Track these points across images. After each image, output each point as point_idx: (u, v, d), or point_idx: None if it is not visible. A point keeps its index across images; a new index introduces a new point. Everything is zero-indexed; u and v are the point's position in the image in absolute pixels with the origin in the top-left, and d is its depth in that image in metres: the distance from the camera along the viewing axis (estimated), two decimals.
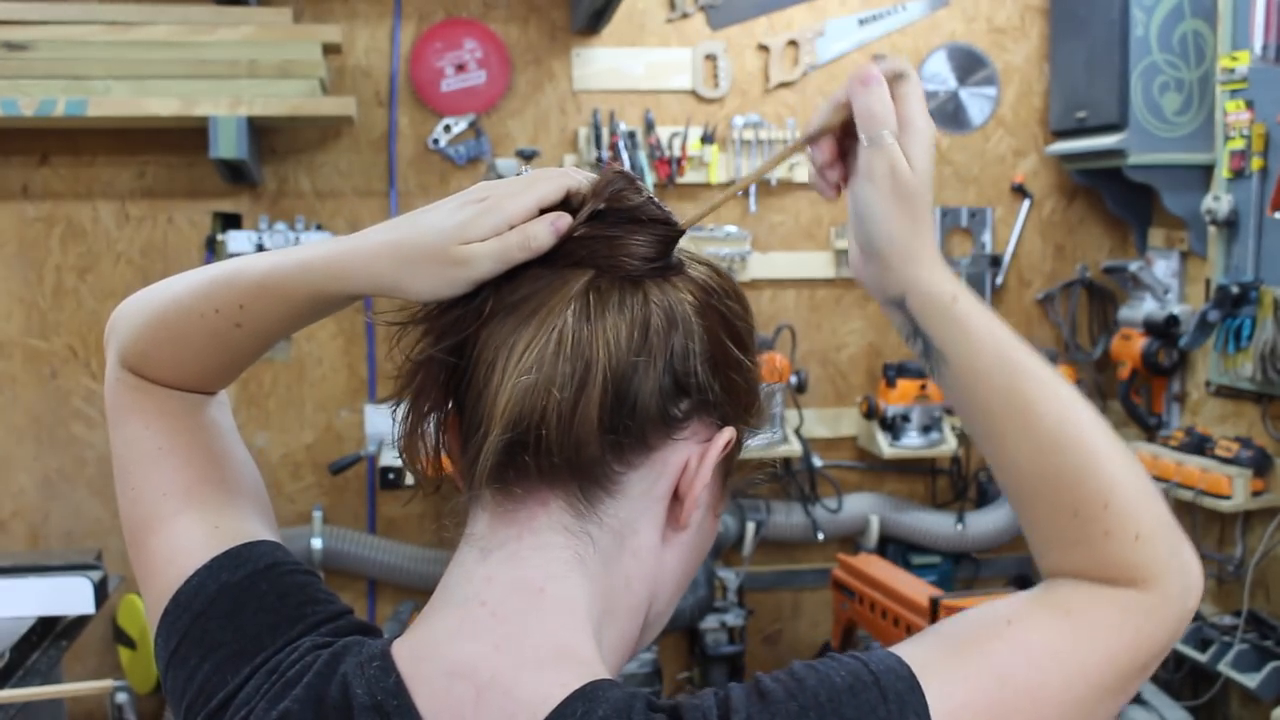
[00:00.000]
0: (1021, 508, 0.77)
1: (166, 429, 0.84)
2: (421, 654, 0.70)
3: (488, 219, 0.72)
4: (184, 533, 0.80)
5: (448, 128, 3.23)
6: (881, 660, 0.69)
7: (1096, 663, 0.71)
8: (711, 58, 3.33)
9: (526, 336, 0.70)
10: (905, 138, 0.76)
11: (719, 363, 0.74)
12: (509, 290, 0.72)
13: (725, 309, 0.75)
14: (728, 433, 0.75)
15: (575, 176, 0.75)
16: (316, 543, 3.13)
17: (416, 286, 0.73)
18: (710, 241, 3.29)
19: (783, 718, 0.65)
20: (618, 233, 0.73)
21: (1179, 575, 0.75)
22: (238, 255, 3.00)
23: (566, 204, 0.74)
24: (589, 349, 0.69)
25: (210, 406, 0.87)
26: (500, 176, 3.40)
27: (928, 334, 0.76)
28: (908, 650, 0.70)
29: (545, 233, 0.71)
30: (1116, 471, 0.74)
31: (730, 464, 0.78)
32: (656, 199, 0.75)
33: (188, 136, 3.01)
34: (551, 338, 0.69)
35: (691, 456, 0.74)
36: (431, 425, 0.75)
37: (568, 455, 0.70)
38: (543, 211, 0.73)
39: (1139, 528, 0.73)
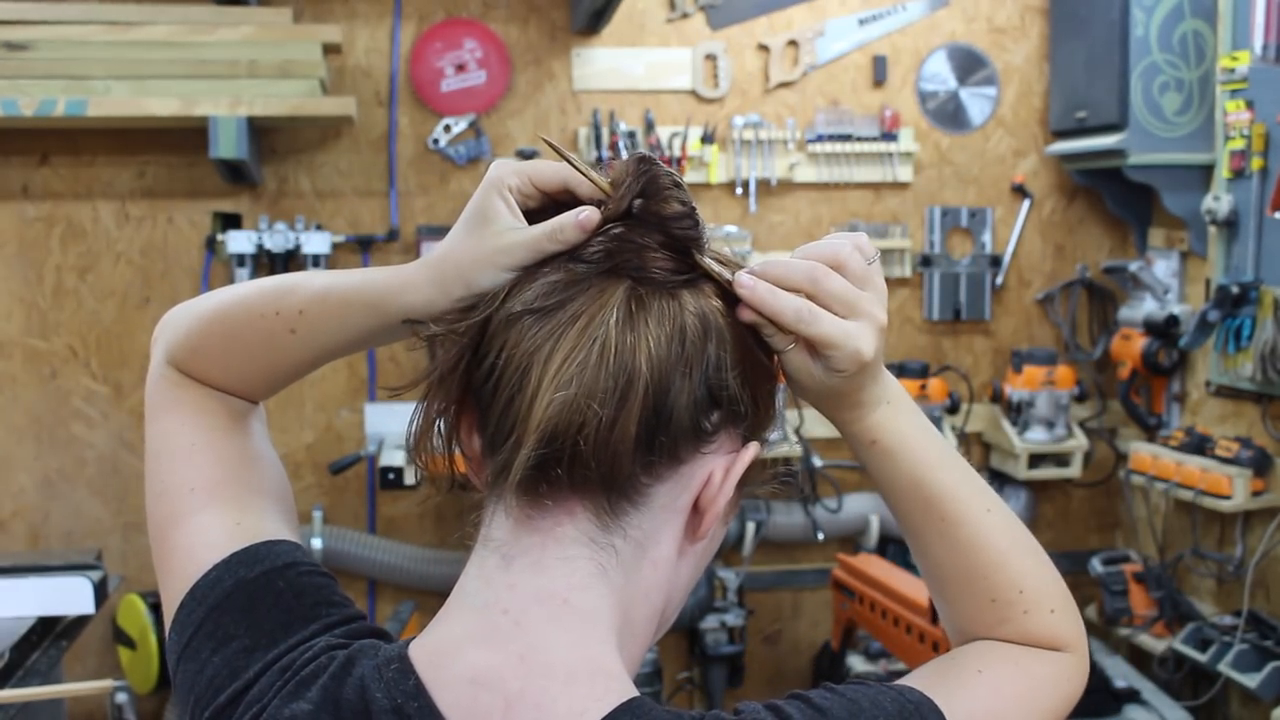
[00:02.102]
0: (942, 595, 0.87)
1: (201, 425, 0.84)
2: (440, 658, 0.69)
3: (490, 193, 0.75)
4: (206, 528, 0.80)
5: (448, 128, 3.23)
6: (913, 691, 0.75)
7: (1043, 709, 0.82)
8: (711, 58, 3.33)
9: (566, 346, 0.68)
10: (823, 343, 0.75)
11: (748, 371, 0.73)
12: (541, 295, 0.71)
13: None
14: (754, 448, 0.74)
15: (573, 176, 0.75)
16: (316, 543, 3.13)
17: (480, 281, 0.74)
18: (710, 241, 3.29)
19: None
20: (649, 242, 0.72)
21: (1084, 640, 0.87)
22: (237, 255, 3.04)
23: (575, 201, 0.75)
24: (632, 361, 0.68)
25: (248, 412, 0.88)
26: None
27: (855, 454, 0.84)
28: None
29: (572, 228, 0.72)
30: (1026, 562, 0.85)
31: (749, 476, 0.77)
32: (688, 201, 0.74)
33: (188, 136, 3.01)
34: (594, 349, 0.68)
35: (715, 470, 0.73)
36: (447, 422, 0.75)
37: (602, 470, 0.69)
38: (554, 202, 0.75)
39: (1053, 603, 0.85)
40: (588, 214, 0.72)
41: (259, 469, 0.85)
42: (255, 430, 0.88)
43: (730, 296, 0.73)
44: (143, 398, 0.90)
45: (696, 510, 0.74)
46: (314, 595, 0.76)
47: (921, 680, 0.78)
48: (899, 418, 0.81)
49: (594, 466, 0.68)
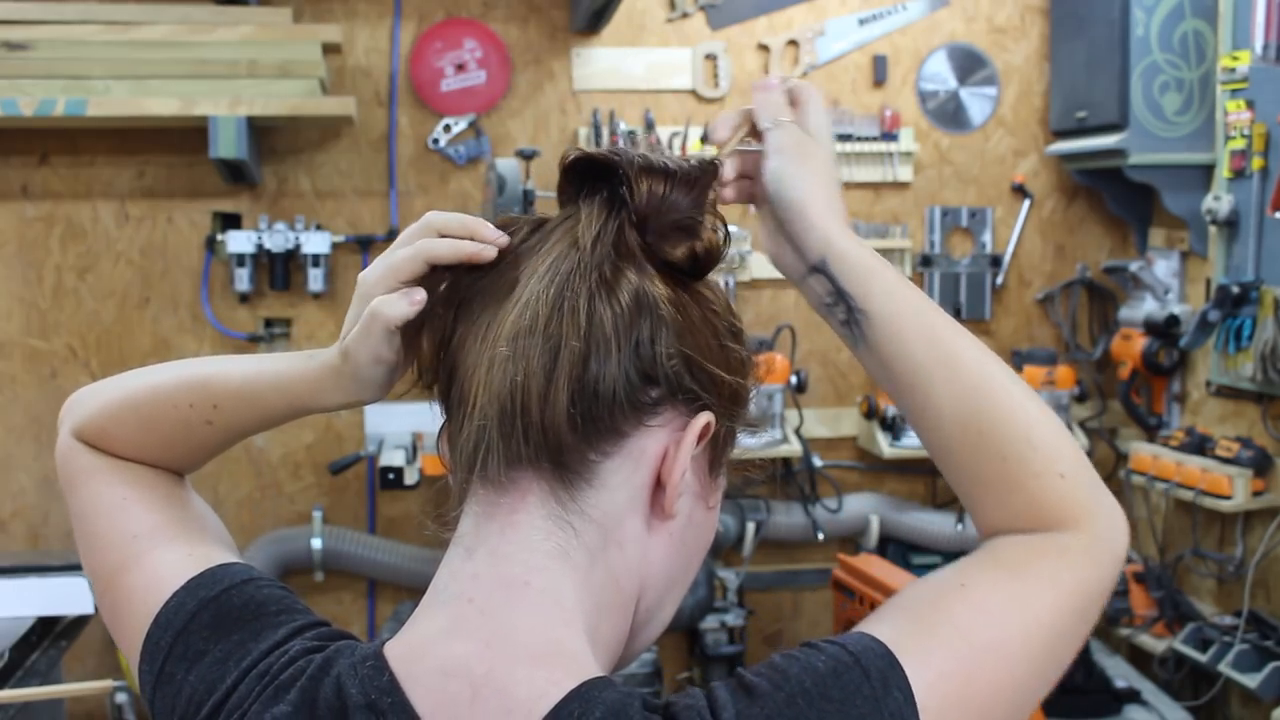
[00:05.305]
0: (951, 461, 0.80)
1: (128, 481, 0.87)
2: (413, 653, 0.70)
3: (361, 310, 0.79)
4: (160, 563, 0.81)
5: (448, 127, 3.23)
6: (858, 641, 0.69)
7: (1047, 610, 0.74)
8: (711, 57, 3.33)
9: (500, 315, 0.72)
10: (800, 117, 0.86)
11: (691, 353, 0.74)
12: (480, 279, 0.75)
13: (699, 300, 0.76)
14: (704, 417, 0.74)
15: (435, 249, 0.76)
16: (316, 543, 3.13)
17: (365, 387, 0.81)
18: None
19: (772, 709, 0.65)
20: (589, 219, 0.75)
21: (1106, 513, 0.79)
22: (237, 255, 3.03)
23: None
24: (559, 329, 0.70)
25: (170, 476, 0.90)
26: (500, 176, 3.31)
27: (850, 292, 0.80)
28: (877, 628, 0.71)
29: (401, 305, 0.76)
30: (1035, 411, 0.78)
31: (717, 450, 0.78)
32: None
33: (188, 136, 3.01)
34: (525, 315, 0.71)
35: (670, 445, 0.74)
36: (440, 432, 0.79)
37: (545, 436, 0.70)
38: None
39: (1062, 466, 0.77)
40: (417, 291, 0.76)
41: (195, 511, 0.88)
42: (183, 482, 0.90)
43: (681, 282, 0.76)
44: None
45: (660, 486, 0.74)
46: (277, 604, 0.78)
47: (892, 614, 0.73)
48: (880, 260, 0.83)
49: (538, 432, 0.70)
